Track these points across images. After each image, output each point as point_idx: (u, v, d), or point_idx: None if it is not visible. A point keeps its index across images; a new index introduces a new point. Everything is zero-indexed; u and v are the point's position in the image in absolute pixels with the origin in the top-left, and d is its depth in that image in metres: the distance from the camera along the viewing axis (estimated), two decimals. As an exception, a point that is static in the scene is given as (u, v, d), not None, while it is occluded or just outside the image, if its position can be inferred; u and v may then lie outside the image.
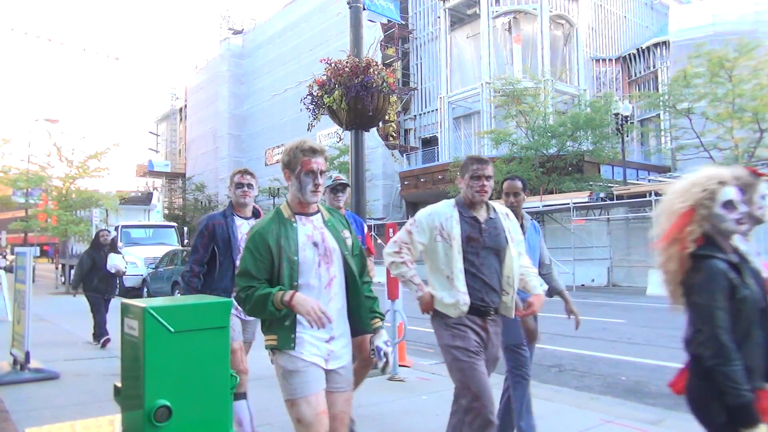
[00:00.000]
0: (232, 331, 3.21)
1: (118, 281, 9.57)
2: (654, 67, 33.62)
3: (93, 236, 9.18)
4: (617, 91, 32.39)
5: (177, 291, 13.70)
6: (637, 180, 25.37)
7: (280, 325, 2.37)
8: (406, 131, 39.12)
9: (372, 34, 23.38)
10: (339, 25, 33.27)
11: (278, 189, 38.67)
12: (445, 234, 2.84)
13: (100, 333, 7.91)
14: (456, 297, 2.80)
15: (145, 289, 15.68)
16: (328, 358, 2.42)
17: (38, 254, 44.89)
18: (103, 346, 7.76)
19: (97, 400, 4.74)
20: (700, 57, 21.02)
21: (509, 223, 3.00)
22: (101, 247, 8.40)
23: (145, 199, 23.52)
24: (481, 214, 2.92)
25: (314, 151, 2.42)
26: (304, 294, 2.31)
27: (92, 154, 19.67)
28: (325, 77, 6.00)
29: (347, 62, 5.93)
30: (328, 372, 2.43)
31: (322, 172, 2.42)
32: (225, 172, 48.81)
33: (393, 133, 37.19)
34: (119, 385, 2.54)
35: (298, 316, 2.31)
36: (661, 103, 24.96)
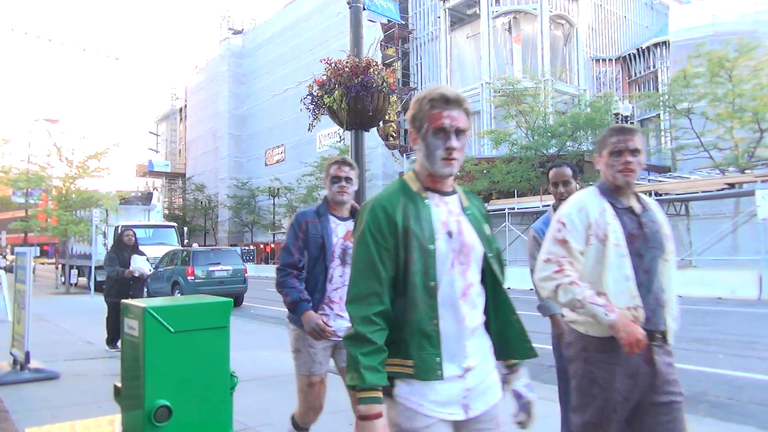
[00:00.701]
0: (311, 361, 2.85)
1: (143, 286, 8.56)
2: (654, 67, 33.64)
3: (117, 235, 8.10)
4: (617, 91, 32.41)
5: (177, 291, 13.71)
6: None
7: (420, 344, 1.58)
8: (406, 131, 39.13)
9: (372, 34, 23.38)
10: (339, 25, 33.29)
11: (278, 189, 38.76)
12: (600, 234, 2.11)
13: (116, 337, 7.28)
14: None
15: (145, 289, 15.66)
16: (466, 402, 1.59)
17: (38, 254, 44.92)
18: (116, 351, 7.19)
19: (97, 400, 4.74)
20: (700, 57, 21.02)
21: (663, 217, 2.28)
22: (124, 248, 7.65)
23: (145, 199, 23.50)
24: (634, 204, 2.21)
25: (447, 101, 1.66)
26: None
27: (92, 154, 19.67)
28: (325, 77, 6.00)
29: (347, 62, 5.93)
30: (465, 424, 1.61)
31: (460, 131, 1.66)
32: (225, 172, 48.85)
33: (393, 133, 37.20)
34: (119, 385, 2.54)
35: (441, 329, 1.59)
36: (661, 103, 24.97)
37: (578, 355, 2.15)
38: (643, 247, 2.11)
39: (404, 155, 36.86)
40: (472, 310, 1.66)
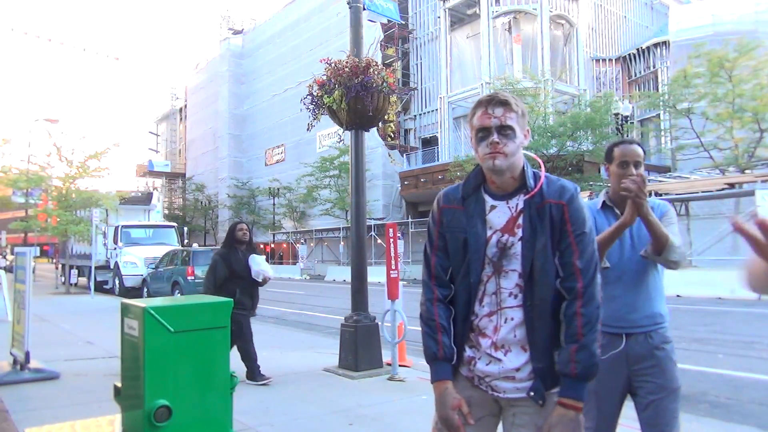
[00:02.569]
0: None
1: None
2: (654, 67, 33.63)
3: (228, 231, 5.99)
4: (617, 91, 32.40)
5: (177, 291, 13.70)
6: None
7: None
8: (406, 131, 39.13)
9: (372, 34, 23.38)
10: (339, 25, 33.29)
11: (278, 189, 38.76)
12: None
13: (255, 367, 5.57)
14: None
15: (145, 289, 15.67)
16: None
17: (38, 254, 44.93)
18: (265, 383, 5.46)
19: (97, 400, 4.74)
20: (700, 57, 21.02)
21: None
22: (237, 245, 5.76)
23: (145, 199, 23.50)
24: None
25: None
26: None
27: (92, 154, 19.66)
28: (325, 77, 6.00)
29: (347, 62, 5.93)
30: None
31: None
32: (225, 172, 48.87)
33: (392, 133, 37.20)
34: (119, 385, 2.54)
35: None
36: (661, 103, 24.96)
37: None
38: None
39: (404, 155, 36.86)
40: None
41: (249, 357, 5.56)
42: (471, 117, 1.73)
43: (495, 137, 1.66)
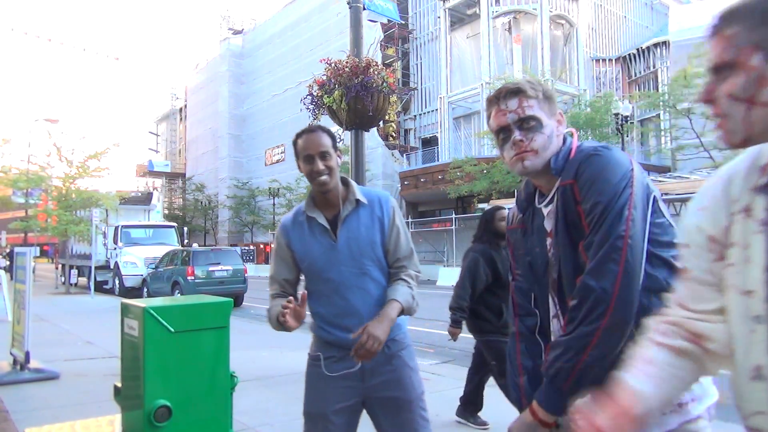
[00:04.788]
0: None
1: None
2: (654, 67, 33.63)
3: (481, 221, 4.19)
4: (617, 91, 32.40)
5: (177, 291, 13.71)
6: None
7: None
8: (406, 131, 39.13)
9: (372, 34, 23.41)
10: (339, 25, 33.28)
11: (278, 189, 38.75)
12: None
13: (479, 402, 4.38)
14: None
15: (145, 289, 15.67)
16: None
17: (38, 254, 44.93)
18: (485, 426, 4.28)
19: (97, 400, 4.74)
20: (700, 57, 21.02)
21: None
22: (500, 240, 3.97)
23: (145, 199, 23.51)
24: None
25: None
26: None
27: (92, 154, 19.67)
28: (325, 77, 6.00)
29: (347, 62, 5.93)
30: None
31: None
32: (225, 172, 48.87)
33: (393, 133, 37.20)
34: (119, 385, 2.54)
35: None
36: (661, 103, 24.97)
37: None
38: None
39: (404, 155, 36.85)
40: None
41: (479, 393, 4.38)
42: (488, 120, 1.47)
43: (517, 135, 1.37)
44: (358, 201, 2.04)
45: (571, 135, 1.45)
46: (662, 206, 1.32)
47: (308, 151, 1.98)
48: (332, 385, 1.99)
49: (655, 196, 1.29)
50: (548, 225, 1.41)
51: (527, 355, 1.48)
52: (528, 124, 1.37)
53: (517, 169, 1.39)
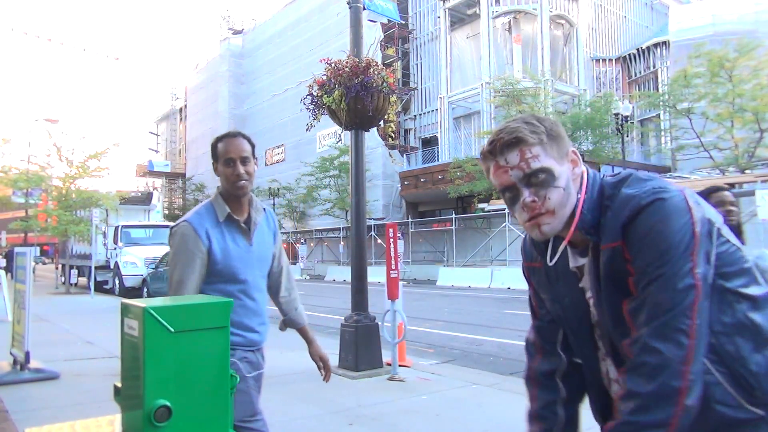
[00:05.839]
0: None
1: None
2: (654, 67, 33.63)
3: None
4: (617, 91, 32.41)
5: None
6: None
7: None
8: (406, 131, 39.12)
9: (372, 34, 23.40)
10: (339, 25, 33.26)
11: (278, 189, 38.74)
12: None
13: None
14: None
15: (145, 289, 15.67)
16: None
17: (38, 254, 44.90)
18: None
19: (97, 400, 4.74)
20: (700, 57, 21.02)
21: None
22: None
23: (145, 199, 23.50)
24: None
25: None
26: None
27: (92, 154, 19.66)
28: (325, 77, 6.00)
29: (347, 62, 5.93)
30: None
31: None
32: (225, 172, 48.86)
33: (392, 133, 37.20)
34: (119, 385, 2.53)
35: None
36: (661, 103, 24.96)
37: None
38: None
39: (404, 155, 36.84)
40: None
41: None
42: (487, 174, 1.28)
43: (527, 196, 1.15)
44: (263, 209, 2.19)
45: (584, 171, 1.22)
46: (725, 232, 1.14)
47: (230, 155, 2.05)
48: (252, 386, 2.06)
49: (717, 228, 1.12)
50: (586, 284, 1.22)
51: (543, 400, 1.34)
52: (537, 179, 1.15)
53: (535, 235, 1.19)
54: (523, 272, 1.40)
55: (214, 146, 2.13)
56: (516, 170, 1.16)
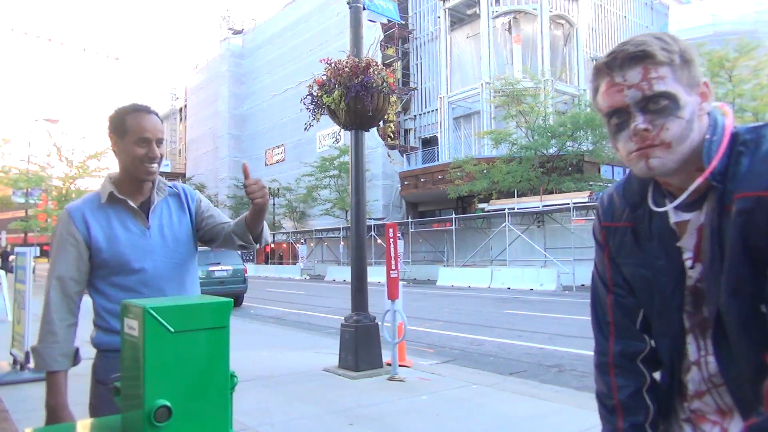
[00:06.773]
0: None
1: None
2: (654, 67, 33.65)
3: None
4: (617, 91, 32.38)
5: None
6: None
7: None
8: (406, 131, 39.12)
9: (372, 34, 23.38)
10: (339, 25, 33.28)
11: (278, 189, 38.74)
12: None
13: None
14: None
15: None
16: None
17: (38, 254, 44.82)
18: None
19: (97, 400, 4.73)
20: (700, 57, 21.00)
21: None
22: None
23: (145, 199, 23.50)
24: None
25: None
26: None
27: (92, 154, 19.73)
28: (324, 77, 6.00)
29: (347, 62, 5.93)
30: None
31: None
32: (225, 172, 48.87)
33: (392, 133, 37.22)
34: (119, 385, 2.54)
35: None
36: (661, 103, 24.97)
37: None
38: None
39: (404, 155, 36.85)
40: None
41: None
42: (594, 95, 1.03)
43: (640, 122, 0.95)
44: (168, 188, 1.90)
45: (723, 113, 1.01)
46: None
47: (146, 134, 1.75)
48: None
49: None
50: (689, 241, 1.01)
51: (626, 390, 1.13)
52: (657, 105, 0.94)
53: (639, 169, 0.97)
54: (595, 235, 1.19)
55: (119, 119, 1.76)
56: (634, 90, 0.95)
